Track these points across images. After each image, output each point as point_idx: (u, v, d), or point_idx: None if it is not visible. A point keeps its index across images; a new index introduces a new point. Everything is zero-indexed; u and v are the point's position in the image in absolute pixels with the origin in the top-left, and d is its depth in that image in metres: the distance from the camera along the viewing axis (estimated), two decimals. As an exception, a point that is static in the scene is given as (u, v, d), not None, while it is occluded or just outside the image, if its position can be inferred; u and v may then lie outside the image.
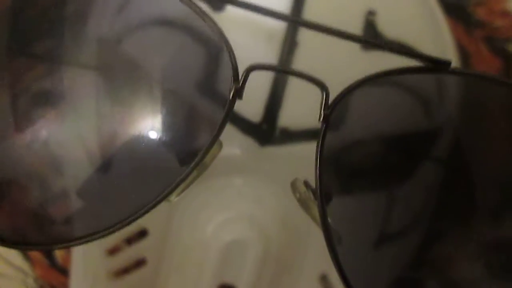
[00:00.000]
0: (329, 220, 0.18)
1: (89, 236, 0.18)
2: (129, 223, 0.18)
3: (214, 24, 0.18)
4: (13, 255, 0.26)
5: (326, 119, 0.18)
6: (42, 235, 0.19)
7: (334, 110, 0.18)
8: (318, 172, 0.18)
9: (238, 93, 0.18)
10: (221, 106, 0.18)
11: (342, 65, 0.19)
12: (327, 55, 0.21)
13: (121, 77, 0.20)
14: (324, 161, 0.18)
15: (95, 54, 0.20)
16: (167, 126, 0.19)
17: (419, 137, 0.20)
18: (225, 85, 0.18)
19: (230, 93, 0.18)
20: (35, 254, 0.26)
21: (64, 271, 0.26)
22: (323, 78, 0.18)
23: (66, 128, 0.19)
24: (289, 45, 0.21)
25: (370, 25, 0.22)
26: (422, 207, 0.20)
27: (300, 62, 0.21)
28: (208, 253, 0.21)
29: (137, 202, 0.18)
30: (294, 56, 0.21)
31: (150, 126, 0.19)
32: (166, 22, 0.19)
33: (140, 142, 0.19)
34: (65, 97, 0.20)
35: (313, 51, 0.21)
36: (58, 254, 0.26)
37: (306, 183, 0.19)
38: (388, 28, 0.22)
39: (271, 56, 0.21)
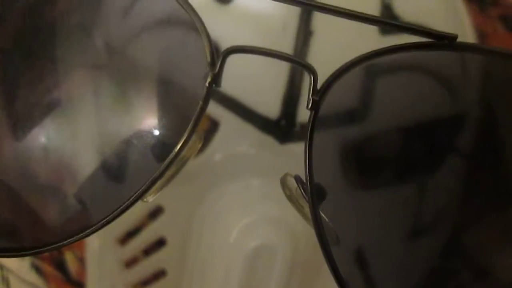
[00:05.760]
0: (324, 218, 0.17)
1: (60, 243, 0.18)
2: (102, 227, 0.17)
3: (191, 8, 0.17)
4: (26, 271, 0.26)
5: (315, 106, 0.17)
6: (14, 241, 0.19)
7: (324, 95, 0.17)
8: (307, 167, 0.16)
9: (215, 80, 0.17)
10: (198, 95, 0.17)
11: (361, 51, 0.18)
12: (344, 42, 0.20)
13: (94, 73, 0.19)
14: (316, 154, 0.17)
15: (62, 50, 0.19)
16: (145, 121, 0.18)
17: (425, 123, 0.18)
18: (202, 73, 0.17)
19: (206, 80, 0.17)
20: (49, 269, 0.26)
21: (79, 285, 0.26)
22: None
23: (39, 130, 0.19)
24: (304, 34, 0.21)
25: (386, 7, 0.21)
26: (424, 201, 0.18)
27: (316, 51, 0.20)
28: (233, 261, 0.20)
29: (114, 203, 0.17)
30: (310, 46, 0.20)
31: (127, 122, 0.18)
32: (141, 11, 0.19)
33: (117, 140, 0.18)
34: (27, 96, 0.19)
35: (329, 39, 0.21)
36: (72, 268, 0.26)
37: (297, 179, 0.17)
38: (405, 10, 0.22)
39: (285, 48, 0.20)
